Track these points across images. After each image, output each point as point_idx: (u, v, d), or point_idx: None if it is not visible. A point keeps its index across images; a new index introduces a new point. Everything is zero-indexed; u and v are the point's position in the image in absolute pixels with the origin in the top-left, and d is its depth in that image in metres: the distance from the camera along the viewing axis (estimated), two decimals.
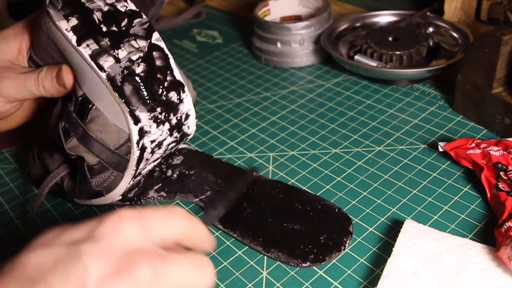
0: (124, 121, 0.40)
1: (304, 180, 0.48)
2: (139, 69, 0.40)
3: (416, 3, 0.74)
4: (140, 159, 0.42)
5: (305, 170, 0.50)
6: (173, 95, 0.42)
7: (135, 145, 0.41)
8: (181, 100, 0.42)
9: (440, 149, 0.48)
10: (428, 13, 0.67)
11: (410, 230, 0.40)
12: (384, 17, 0.70)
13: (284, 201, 0.45)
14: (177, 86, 0.42)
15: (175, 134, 0.44)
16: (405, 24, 0.66)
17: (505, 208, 0.39)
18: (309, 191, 0.46)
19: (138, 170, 0.44)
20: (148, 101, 0.40)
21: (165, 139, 0.43)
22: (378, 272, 0.38)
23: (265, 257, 0.41)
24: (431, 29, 0.66)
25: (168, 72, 0.42)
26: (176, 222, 0.28)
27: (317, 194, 0.46)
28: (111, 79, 0.39)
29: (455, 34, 0.64)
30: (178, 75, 0.42)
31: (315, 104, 0.60)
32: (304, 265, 0.40)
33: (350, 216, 0.43)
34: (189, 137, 0.46)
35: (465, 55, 0.51)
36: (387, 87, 0.61)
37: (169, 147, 0.45)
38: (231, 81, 0.67)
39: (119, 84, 0.39)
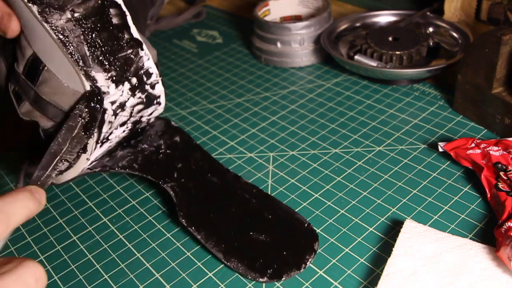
0: (79, 83, 0.38)
1: (304, 180, 0.48)
2: (94, 27, 0.38)
3: (416, 3, 0.74)
4: (101, 122, 0.40)
5: (305, 170, 0.50)
6: (130, 54, 0.40)
7: None
8: (139, 59, 0.41)
9: (440, 149, 0.48)
10: (428, 13, 0.67)
11: (410, 230, 0.40)
12: (384, 17, 0.70)
13: (256, 208, 0.44)
14: (135, 45, 0.40)
15: (139, 94, 0.42)
16: (405, 24, 0.66)
17: (505, 208, 0.39)
18: (282, 202, 0.45)
19: (103, 134, 0.42)
20: (103, 61, 0.38)
21: (127, 99, 0.41)
22: (378, 272, 0.38)
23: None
24: (431, 29, 0.66)
25: (125, 30, 0.40)
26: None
27: (317, 195, 0.46)
28: (64, 38, 0.37)
29: (455, 34, 0.64)
30: (135, 33, 0.40)
31: (315, 104, 0.60)
32: (261, 280, 0.38)
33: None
34: (160, 100, 0.44)
35: (465, 55, 0.51)
36: (387, 87, 0.61)
37: (136, 109, 0.43)
38: (231, 81, 0.67)
39: (73, 44, 0.37)
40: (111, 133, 0.43)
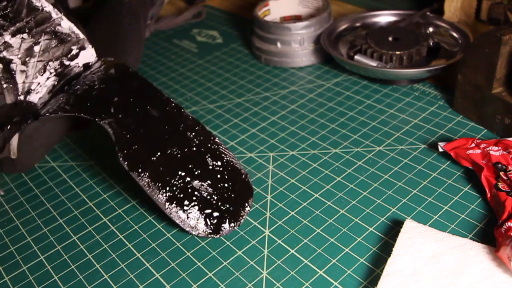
0: None
1: (304, 180, 0.48)
2: None
3: (416, 3, 0.74)
4: (9, 72, 0.40)
5: (305, 170, 0.50)
6: (18, 1, 0.40)
7: None
8: (28, 2, 0.40)
9: (440, 149, 0.48)
10: (428, 13, 0.67)
11: (410, 230, 0.40)
12: (384, 17, 0.70)
13: (199, 150, 0.42)
14: None
15: (45, 37, 0.42)
16: (405, 24, 0.66)
17: (505, 208, 0.39)
18: (223, 144, 0.44)
19: (20, 85, 0.41)
20: None
21: (32, 45, 0.41)
22: (378, 272, 0.38)
23: (265, 256, 0.41)
24: (431, 29, 0.66)
25: None
26: None
27: (317, 195, 0.46)
28: None
29: (455, 34, 0.64)
30: None
31: (315, 104, 0.60)
32: (200, 234, 0.39)
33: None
34: (77, 36, 0.44)
35: (465, 55, 0.51)
36: (387, 87, 0.61)
37: (52, 53, 0.43)
38: (231, 81, 0.67)
39: None
40: (31, 83, 0.43)
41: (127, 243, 0.44)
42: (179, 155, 0.42)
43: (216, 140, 0.43)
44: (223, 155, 0.43)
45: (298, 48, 0.67)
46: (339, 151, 0.52)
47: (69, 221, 0.47)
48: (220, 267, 0.41)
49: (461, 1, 0.65)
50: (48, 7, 0.42)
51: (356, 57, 0.62)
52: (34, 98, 0.43)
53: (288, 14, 0.75)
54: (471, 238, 0.40)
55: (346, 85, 0.62)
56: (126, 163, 0.41)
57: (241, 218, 0.39)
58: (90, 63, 0.46)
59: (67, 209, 0.48)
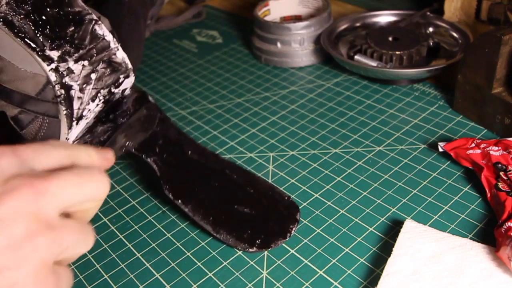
0: (36, 65, 0.38)
1: (304, 180, 0.48)
2: (39, 5, 0.38)
3: (416, 3, 0.74)
4: (69, 98, 0.41)
5: (305, 170, 0.50)
6: (82, 26, 0.41)
7: (56, 85, 0.40)
8: (92, 29, 0.41)
9: (440, 149, 0.48)
10: (428, 13, 0.67)
11: (410, 230, 0.40)
12: (384, 17, 0.70)
13: (237, 183, 0.45)
14: (83, 17, 0.41)
15: (102, 65, 0.43)
16: (405, 24, 0.66)
17: (505, 208, 0.39)
18: (263, 177, 0.47)
19: (75, 111, 0.42)
20: (55, 39, 0.39)
21: (90, 72, 0.42)
22: (378, 272, 0.38)
23: (265, 256, 0.41)
24: (431, 29, 0.66)
25: (70, 2, 0.40)
26: (52, 151, 0.26)
27: (317, 195, 0.46)
28: (8, 24, 0.37)
29: (455, 34, 0.64)
30: (81, 4, 0.41)
31: (315, 104, 0.60)
32: (250, 250, 0.40)
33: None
34: (125, 69, 0.45)
35: (465, 55, 0.51)
36: (387, 87, 0.61)
37: (102, 81, 0.44)
38: (231, 81, 0.67)
39: (19, 27, 0.37)
40: (84, 109, 0.44)
41: (127, 243, 0.44)
42: (220, 188, 0.45)
43: (253, 174, 0.47)
44: (260, 184, 0.46)
45: (298, 48, 0.67)
46: (339, 151, 0.52)
47: None
48: (220, 267, 0.41)
49: (461, 1, 0.65)
50: (109, 36, 0.43)
51: (356, 57, 0.62)
52: (82, 123, 0.45)
53: (288, 14, 0.75)
54: (471, 238, 0.40)
55: (346, 85, 0.62)
56: (170, 193, 0.44)
57: (289, 231, 0.42)
58: (127, 89, 0.48)
59: None
